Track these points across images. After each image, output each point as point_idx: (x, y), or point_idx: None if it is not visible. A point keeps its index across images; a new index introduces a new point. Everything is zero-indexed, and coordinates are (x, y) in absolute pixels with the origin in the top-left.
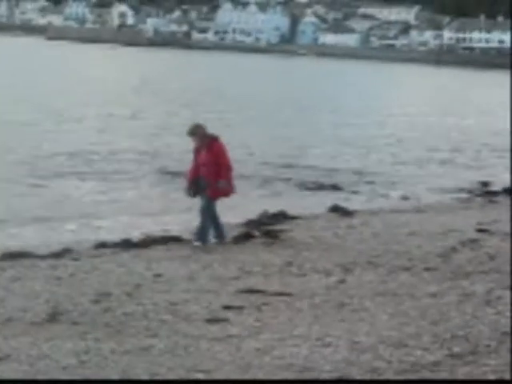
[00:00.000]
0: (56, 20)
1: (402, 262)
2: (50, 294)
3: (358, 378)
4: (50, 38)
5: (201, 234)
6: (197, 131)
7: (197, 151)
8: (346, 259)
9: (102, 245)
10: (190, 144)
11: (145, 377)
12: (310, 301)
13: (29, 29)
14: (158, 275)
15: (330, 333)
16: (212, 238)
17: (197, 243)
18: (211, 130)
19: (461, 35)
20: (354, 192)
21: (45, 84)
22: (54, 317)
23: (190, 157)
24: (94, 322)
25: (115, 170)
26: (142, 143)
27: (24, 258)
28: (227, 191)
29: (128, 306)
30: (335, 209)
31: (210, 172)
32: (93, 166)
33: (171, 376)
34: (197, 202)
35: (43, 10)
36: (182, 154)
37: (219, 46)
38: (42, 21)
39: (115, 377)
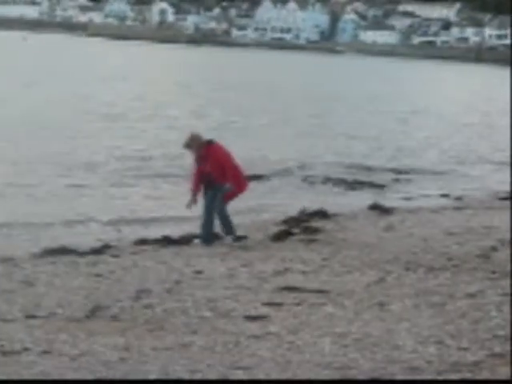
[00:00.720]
0: (96, 17)
1: (441, 261)
2: (91, 290)
3: (394, 377)
4: (90, 35)
5: (204, 234)
6: (192, 143)
7: (200, 160)
8: (386, 257)
9: (142, 241)
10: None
11: (185, 374)
12: (350, 299)
13: (69, 26)
14: (198, 272)
15: (369, 331)
16: (229, 237)
17: (197, 242)
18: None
19: (502, 32)
20: (395, 190)
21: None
22: (94, 313)
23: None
24: (134, 319)
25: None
26: None
27: (65, 255)
28: (239, 191)
29: (168, 302)
30: (374, 207)
31: (219, 176)
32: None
33: (211, 373)
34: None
35: (84, 8)
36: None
37: (259, 44)
38: (82, 18)
39: (155, 374)
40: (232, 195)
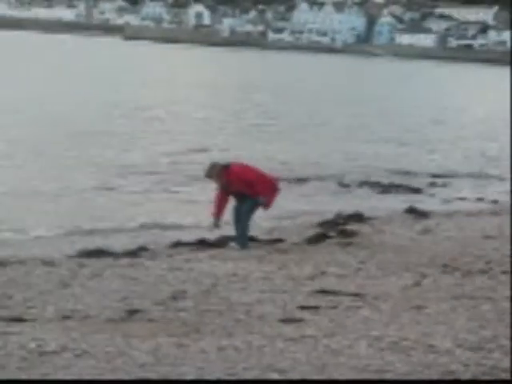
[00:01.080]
0: (133, 20)
1: (478, 265)
2: (127, 292)
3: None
4: (127, 38)
5: (239, 236)
6: (212, 173)
7: (225, 185)
8: (422, 261)
9: (178, 244)
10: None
11: (221, 376)
12: (386, 302)
13: (106, 28)
14: (234, 275)
15: (406, 335)
16: (233, 243)
17: (233, 244)
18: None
19: None
20: (431, 194)
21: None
22: (130, 315)
23: None
24: (169, 321)
25: None
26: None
27: (101, 256)
28: (272, 199)
29: (203, 305)
30: (411, 210)
31: (251, 191)
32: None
33: (247, 375)
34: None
35: (121, 10)
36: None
37: (295, 46)
38: (119, 21)
39: (191, 376)
40: (268, 203)
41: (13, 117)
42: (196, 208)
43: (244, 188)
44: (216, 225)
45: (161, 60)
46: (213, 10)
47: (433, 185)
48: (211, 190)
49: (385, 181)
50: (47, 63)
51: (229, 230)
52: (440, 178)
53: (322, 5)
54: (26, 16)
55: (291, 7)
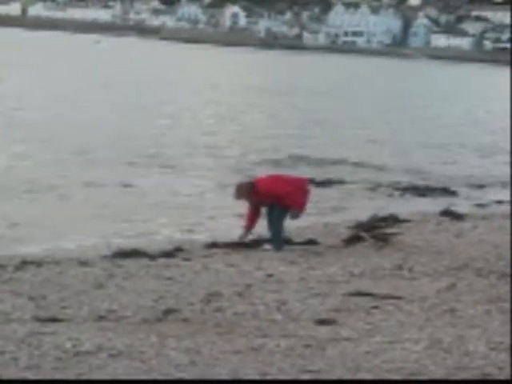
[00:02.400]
0: (169, 21)
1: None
2: (162, 292)
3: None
4: (162, 39)
5: (273, 238)
6: (241, 194)
7: (256, 202)
8: (457, 264)
9: (213, 245)
10: None
11: (255, 377)
12: (421, 305)
13: (142, 29)
14: (269, 275)
15: (441, 337)
16: (267, 244)
17: (267, 246)
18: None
19: None
20: (467, 197)
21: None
22: (165, 315)
23: None
24: (204, 322)
25: None
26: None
27: (136, 257)
28: (303, 207)
29: (239, 305)
30: (446, 213)
31: (282, 203)
32: None
33: (281, 376)
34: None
35: (156, 11)
36: None
37: (330, 48)
38: (155, 21)
39: (225, 376)
40: (300, 211)
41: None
42: None
43: (274, 200)
44: (243, 237)
45: (202, 63)
46: (248, 11)
47: (469, 187)
48: None
49: (420, 183)
50: (81, 64)
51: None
52: (477, 179)
53: (357, 6)
54: (61, 16)
55: (326, 9)
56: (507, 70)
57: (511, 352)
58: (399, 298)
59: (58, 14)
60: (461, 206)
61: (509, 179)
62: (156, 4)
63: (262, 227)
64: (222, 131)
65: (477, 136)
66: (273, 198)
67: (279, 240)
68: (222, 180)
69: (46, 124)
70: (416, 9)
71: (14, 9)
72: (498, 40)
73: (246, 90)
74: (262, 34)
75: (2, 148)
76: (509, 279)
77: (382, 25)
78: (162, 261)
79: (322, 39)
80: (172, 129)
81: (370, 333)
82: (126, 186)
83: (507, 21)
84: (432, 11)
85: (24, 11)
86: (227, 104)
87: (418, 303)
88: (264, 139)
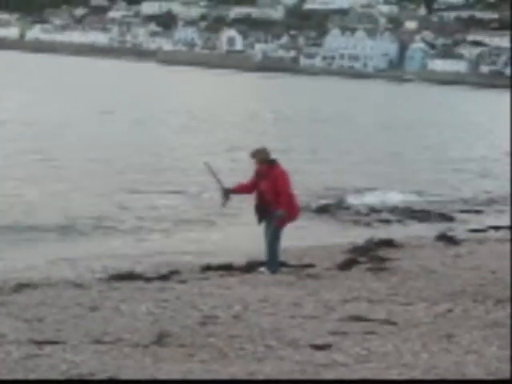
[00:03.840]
0: (166, 44)
1: (510, 293)
2: (157, 315)
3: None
4: (159, 62)
5: (269, 261)
6: (256, 155)
7: (258, 175)
8: (453, 289)
9: (208, 268)
10: None
11: None
12: (417, 330)
13: (139, 52)
14: (264, 300)
15: (437, 363)
16: (264, 268)
17: (262, 269)
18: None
19: None
20: (463, 221)
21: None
22: (160, 338)
23: None
24: (200, 345)
25: None
26: None
27: (132, 280)
28: (290, 218)
29: (234, 329)
30: (442, 237)
31: (272, 200)
32: None
33: None
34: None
35: (153, 35)
36: None
37: (327, 72)
38: (152, 45)
39: None
40: (287, 222)
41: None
42: None
43: (270, 191)
44: (224, 197)
45: (200, 87)
46: (245, 35)
47: (465, 212)
48: None
49: (416, 207)
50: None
51: (259, 254)
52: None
53: (353, 30)
54: (59, 39)
55: (323, 33)
56: (505, 95)
57: (511, 352)
58: (395, 323)
59: (56, 37)
60: (457, 230)
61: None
62: (153, 27)
63: (256, 250)
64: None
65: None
66: (272, 188)
67: (275, 263)
68: None
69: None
70: (412, 32)
71: (13, 32)
72: (493, 63)
73: (249, 118)
74: (259, 58)
75: None
76: (506, 304)
77: (378, 48)
78: (157, 283)
79: (318, 63)
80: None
81: (366, 358)
82: None
83: (504, 45)
84: (428, 35)
85: (22, 34)
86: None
87: (414, 328)
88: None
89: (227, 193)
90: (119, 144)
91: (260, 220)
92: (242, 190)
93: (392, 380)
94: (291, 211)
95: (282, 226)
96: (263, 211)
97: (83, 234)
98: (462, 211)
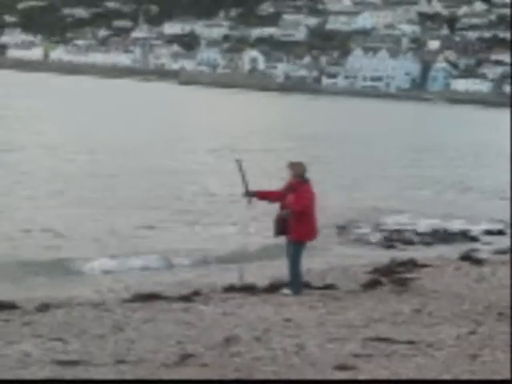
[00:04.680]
0: (188, 65)
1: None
2: (180, 336)
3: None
4: (182, 83)
5: (291, 282)
6: (293, 167)
7: (287, 188)
8: (477, 309)
9: (231, 288)
10: None
11: None
12: (440, 350)
13: (162, 73)
14: (287, 320)
15: None
16: (285, 289)
17: (286, 291)
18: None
19: None
20: (487, 243)
21: None
22: (183, 360)
23: None
24: (223, 366)
25: None
26: None
27: (155, 300)
28: (309, 237)
29: (257, 350)
30: (465, 257)
31: (294, 219)
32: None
33: None
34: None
35: (176, 56)
36: None
37: (349, 92)
38: (174, 65)
39: None
40: (301, 237)
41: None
42: None
43: (293, 206)
44: (248, 199)
45: (225, 107)
46: (267, 55)
47: (489, 233)
48: None
49: (440, 228)
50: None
51: (280, 274)
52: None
53: (376, 50)
54: (82, 61)
55: (345, 53)
56: None
57: (511, 352)
58: (418, 343)
59: (80, 58)
60: (480, 251)
61: None
62: (175, 48)
63: (279, 271)
64: None
65: None
66: (298, 204)
67: (298, 284)
68: None
69: None
70: (435, 52)
71: (36, 53)
72: None
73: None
74: (281, 78)
75: None
76: None
77: (400, 68)
78: (180, 304)
79: (340, 82)
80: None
81: (390, 378)
82: None
83: None
84: (451, 55)
85: (46, 55)
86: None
87: (437, 349)
88: None
89: (251, 195)
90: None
91: (278, 233)
92: (266, 195)
93: (392, 380)
94: (311, 232)
95: (296, 241)
96: (284, 226)
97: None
98: (486, 232)
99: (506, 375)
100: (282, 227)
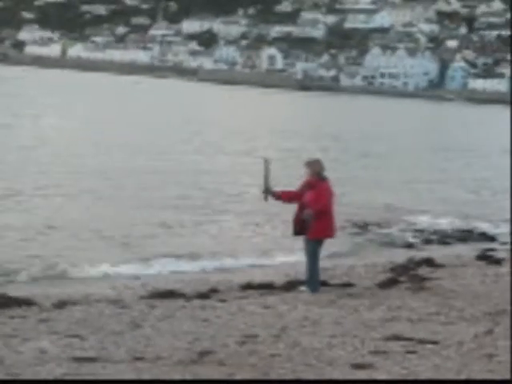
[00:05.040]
0: (206, 62)
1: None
2: (197, 334)
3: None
4: (200, 80)
5: (309, 280)
6: (310, 165)
7: (305, 186)
8: (494, 308)
9: (248, 286)
10: None
11: None
12: (458, 349)
13: (180, 71)
14: (304, 318)
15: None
16: (303, 286)
17: (303, 288)
18: None
19: None
20: (504, 242)
21: None
22: (200, 357)
23: None
24: (240, 364)
25: None
26: None
27: (172, 298)
28: (326, 235)
29: (274, 348)
30: (483, 257)
31: (314, 215)
32: None
33: None
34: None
35: (194, 53)
36: None
37: (367, 91)
38: (192, 63)
39: None
40: (319, 235)
41: None
42: None
43: (312, 204)
44: (266, 192)
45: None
46: (285, 53)
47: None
48: None
49: (458, 227)
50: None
51: (298, 273)
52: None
53: (394, 49)
54: (100, 58)
55: (363, 51)
56: None
57: (511, 352)
58: (436, 342)
59: (98, 55)
60: (498, 250)
61: None
62: (194, 46)
63: (296, 269)
64: None
65: None
66: (315, 202)
67: (315, 282)
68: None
69: None
70: (453, 52)
71: (54, 50)
72: None
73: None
74: (300, 77)
75: None
76: None
77: (419, 67)
78: (197, 302)
79: (358, 81)
80: None
81: (407, 377)
82: None
83: None
84: (469, 54)
85: (64, 52)
86: None
87: (454, 348)
88: None
89: (269, 193)
90: None
91: (296, 233)
92: (284, 195)
93: (392, 380)
94: (329, 229)
95: (314, 239)
96: (302, 225)
97: None
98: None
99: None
100: (300, 227)
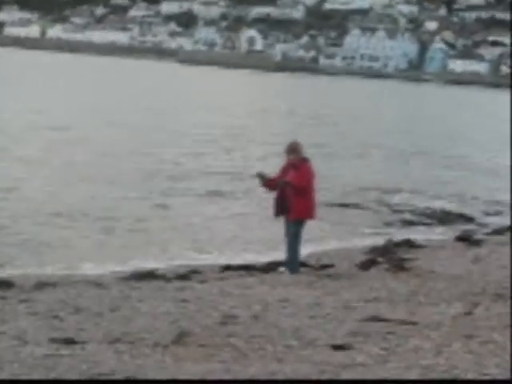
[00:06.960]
0: (186, 43)
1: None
2: (177, 315)
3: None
4: (180, 61)
5: (289, 261)
6: (294, 151)
7: (287, 166)
8: (474, 290)
9: (228, 268)
10: None
11: None
12: (437, 331)
13: (160, 52)
14: (284, 300)
15: (457, 364)
16: (282, 267)
17: (283, 269)
18: None
19: None
20: (483, 224)
21: None
22: (180, 338)
23: None
24: (219, 346)
25: None
26: None
27: (152, 279)
28: (308, 216)
29: (254, 329)
30: (462, 238)
31: (293, 194)
32: None
33: None
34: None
35: (174, 34)
36: None
37: (346, 72)
38: (172, 44)
39: None
40: (300, 215)
41: None
42: None
43: (294, 182)
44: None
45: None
46: (265, 34)
47: (487, 214)
48: None
49: (437, 208)
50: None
51: (278, 255)
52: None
53: (374, 31)
54: (79, 39)
55: (343, 33)
56: None
57: (511, 352)
58: (415, 323)
59: (77, 36)
60: (478, 231)
61: None
62: (173, 27)
63: (276, 251)
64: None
65: None
66: (297, 183)
67: (295, 263)
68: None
69: None
70: (432, 33)
71: (33, 30)
72: None
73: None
74: (279, 58)
75: None
76: None
77: (398, 49)
78: (177, 283)
79: (338, 63)
80: None
81: (386, 358)
82: None
83: None
84: (449, 35)
85: (43, 33)
86: None
87: (434, 329)
88: None
89: (264, 179)
90: None
91: (277, 214)
92: (272, 182)
93: (392, 380)
94: (310, 210)
95: (295, 220)
96: (283, 206)
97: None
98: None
99: (506, 375)
100: (281, 207)
